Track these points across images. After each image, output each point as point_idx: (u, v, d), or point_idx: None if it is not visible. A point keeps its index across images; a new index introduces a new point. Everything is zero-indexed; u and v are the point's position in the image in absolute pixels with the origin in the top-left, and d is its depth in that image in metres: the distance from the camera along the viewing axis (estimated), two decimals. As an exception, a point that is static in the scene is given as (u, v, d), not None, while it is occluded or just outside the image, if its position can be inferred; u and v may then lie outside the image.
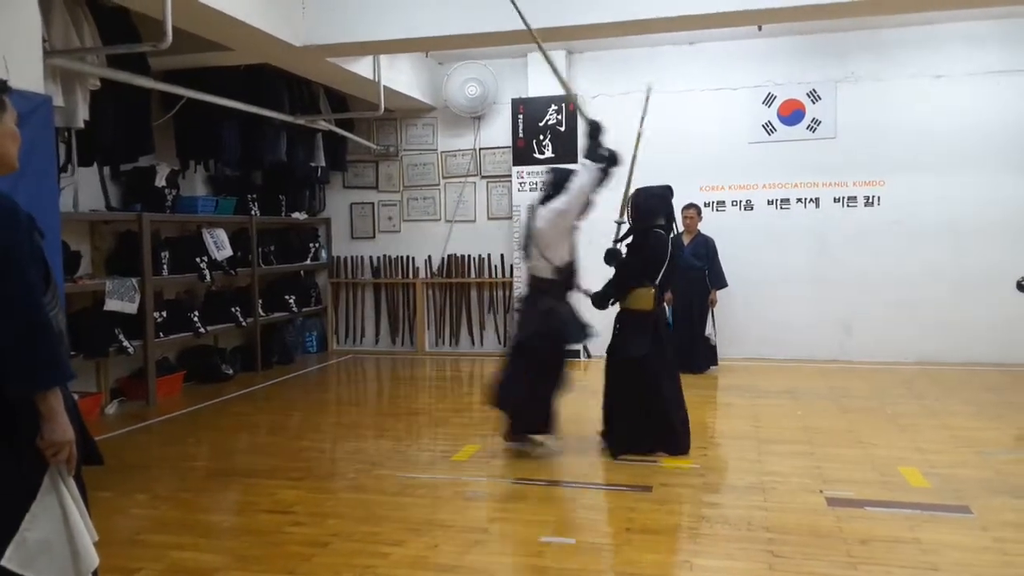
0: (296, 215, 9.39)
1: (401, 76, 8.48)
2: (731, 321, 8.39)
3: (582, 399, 6.95)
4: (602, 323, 5.32)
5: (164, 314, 7.18)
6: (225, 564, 3.52)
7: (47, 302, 2.14)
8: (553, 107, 8.84)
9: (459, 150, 9.57)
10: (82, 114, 5.82)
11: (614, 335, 5.24)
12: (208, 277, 7.67)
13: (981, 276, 8.05)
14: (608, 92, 8.93)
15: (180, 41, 5.47)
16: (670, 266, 5.13)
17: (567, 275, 5.14)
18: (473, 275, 9.60)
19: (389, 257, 9.88)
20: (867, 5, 5.92)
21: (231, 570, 3.46)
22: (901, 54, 8.29)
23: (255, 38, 6.10)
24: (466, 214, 9.61)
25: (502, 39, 6.74)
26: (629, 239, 5.27)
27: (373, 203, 9.93)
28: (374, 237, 9.94)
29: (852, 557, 3.45)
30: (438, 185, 9.69)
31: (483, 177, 9.52)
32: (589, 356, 8.82)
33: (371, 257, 9.94)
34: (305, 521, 4.04)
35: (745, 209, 8.76)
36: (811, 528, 3.80)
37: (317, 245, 9.80)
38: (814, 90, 8.52)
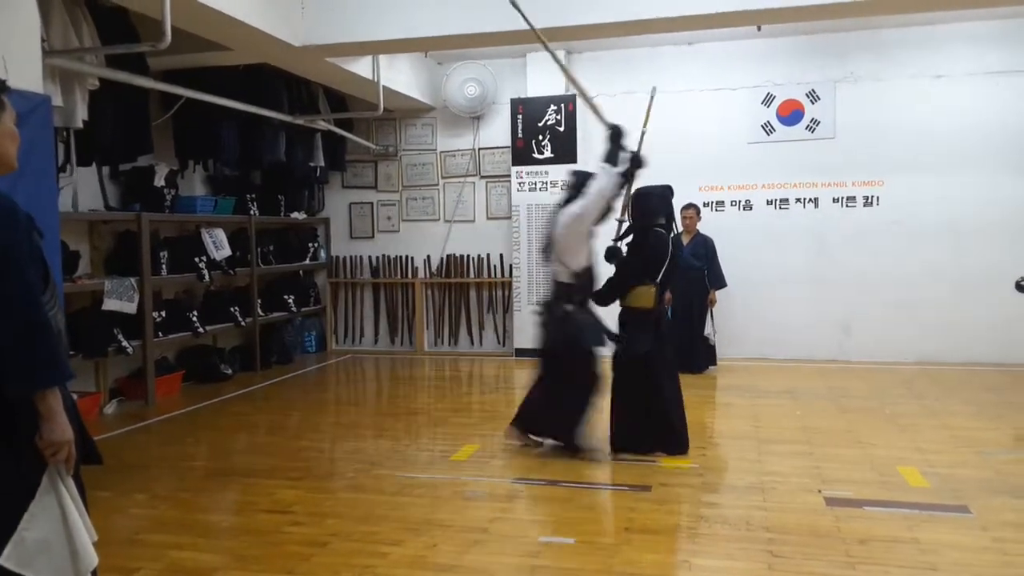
0: (295, 215, 9.38)
1: (400, 76, 8.48)
2: (730, 321, 8.40)
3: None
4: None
5: (163, 314, 7.18)
6: (224, 564, 3.52)
7: (46, 302, 2.14)
8: (552, 107, 8.85)
9: (458, 150, 9.57)
10: (81, 114, 5.82)
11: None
12: (207, 277, 7.67)
13: (980, 276, 8.06)
14: (608, 92, 8.90)
15: (179, 41, 5.47)
16: (670, 265, 5.13)
17: (586, 280, 5.12)
18: (472, 275, 9.59)
19: (388, 257, 9.87)
20: (866, 5, 5.92)
21: (230, 570, 3.46)
22: (900, 54, 8.30)
23: (254, 38, 6.10)
24: (465, 214, 9.61)
25: (501, 39, 6.74)
26: (629, 238, 5.26)
27: (372, 203, 9.93)
28: (373, 237, 9.94)
29: (851, 557, 3.45)
30: (437, 185, 9.68)
31: (482, 177, 9.52)
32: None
33: (370, 257, 9.94)
34: (304, 521, 4.03)
35: (744, 209, 8.76)
36: (810, 528, 3.80)
37: (316, 245, 9.80)
38: (813, 90, 8.52)
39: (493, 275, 9.52)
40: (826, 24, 7.80)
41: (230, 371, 8.01)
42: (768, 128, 8.65)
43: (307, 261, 9.65)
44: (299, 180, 9.25)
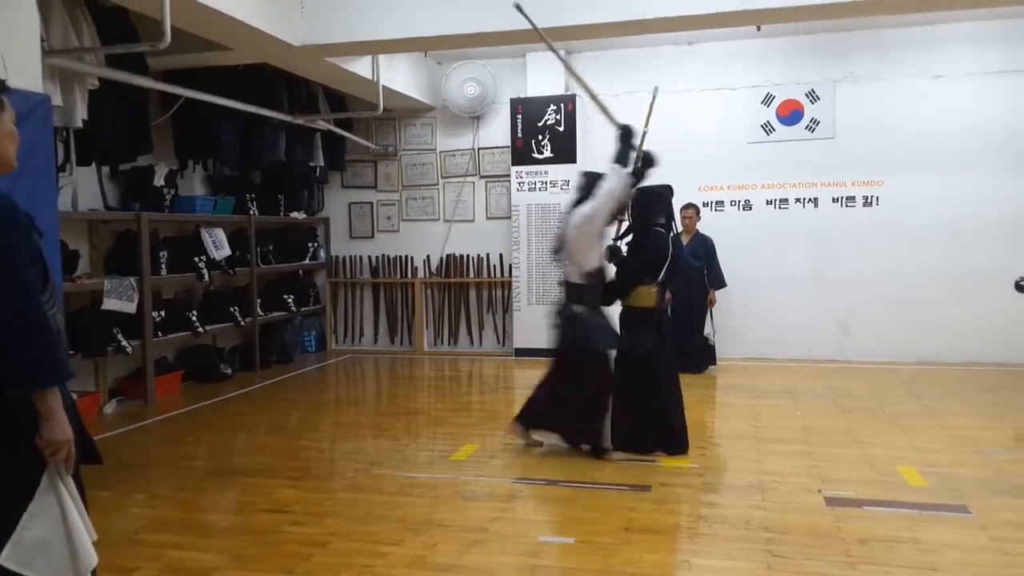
0: (295, 215, 9.38)
1: (400, 76, 8.48)
2: (730, 321, 8.40)
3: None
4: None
5: (162, 313, 7.18)
6: (223, 563, 3.51)
7: (45, 301, 2.14)
8: (552, 107, 8.84)
9: (458, 150, 9.57)
10: (81, 114, 5.82)
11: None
12: (206, 276, 7.66)
13: (980, 276, 8.06)
14: (607, 92, 8.86)
15: (179, 41, 5.48)
16: (671, 265, 5.13)
17: (598, 280, 5.11)
18: (472, 275, 9.59)
19: (388, 257, 9.87)
20: (866, 5, 5.92)
21: (229, 569, 3.46)
22: (900, 54, 8.30)
23: (254, 38, 6.10)
24: (465, 214, 9.60)
25: (501, 39, 6.74)
26: (629, 237, 5.27)
27: (372, 203, 9.92)
28: (373, 237, 9.94)
29: (850, 557, 3.45)
30: (437, 185, 9.68)
31: (482, 177, 9.52)
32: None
33: (370, 257, 9.94)
34: (303, 520, 4.03)
35: (744, 209, 8.76)
36: (810, 528, 3.80)
37: (316, 245, 9.79)
38: (813, 90, 8.52)
39: (493, 275, 9.52)
40: (826, 24, 7.80)
41: (230, 371, 8.00)
42: (768, 128, 8.65)
43: (307, 261, 9.65)
44: (299, 180, 9.25)
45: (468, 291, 9.67)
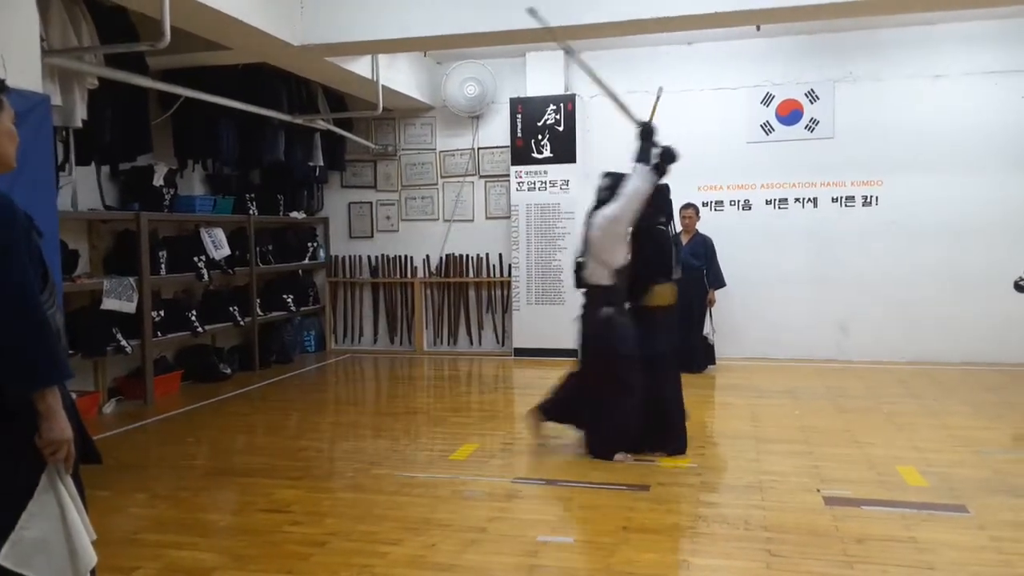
0: (294, 214, 9.39)
1: (399, 75, 8.48)
2: (729, 321, 8.40)
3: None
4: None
5: (162, 313, 7.18)
6: (223, 563, 3.52)
7: (44, 301, 2.14)
8: (551, 107, 8.85)
9: (457, 149, 9.57)
10: (80, 113, 5.82)
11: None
12: (206, 276, 7.67)
13: (979, 276, 8.07)
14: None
15: (178, 40, 5.48)
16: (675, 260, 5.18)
17: (623, 281, 5.06)
18: (471, 274, 9.60)
19: (387, 256, 9.87)
20: (864, 5, 5.93)
21: (229, 569, 3.46)
22: (899, 54, 8.30)
23: (253, 37, 6.10)
24: (464, 214, 9.61)
25: (501, 39, 6.75)
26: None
27: (371, 202, 9.93)
28: (372, 236, 9.94)
29: (849, 556, 3.46)
30: (436, 184, 9.69)
31: (481, 176, 9.53)
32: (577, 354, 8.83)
33: (369, 256, 9.94)
34: (303, 520, 4.04)
35: (743, 209, 8.77)
36: (808, 527, 3.81)
37: (315, 244, 9.79)
38: (812, 90, 8.53)
39: (492, 275, 9.52)
40: (825, 24, 7.81)
41: (229, 370, 8.00)
42: (767, 128, 8.66)
43: (306, 261, 9.65)
44: (298, 180, 9.25)
45: (467, 291, 9.67)
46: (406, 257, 9.81)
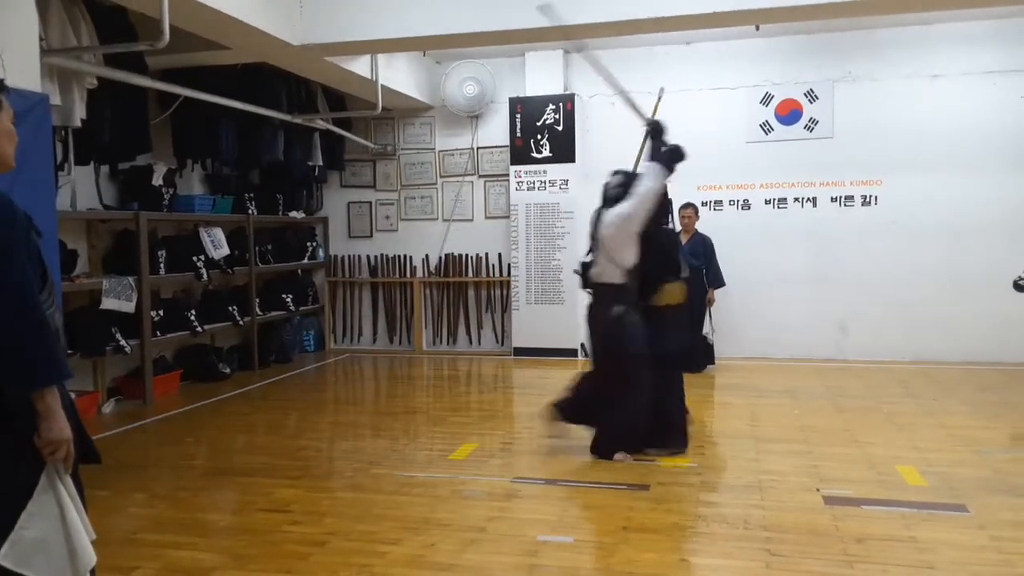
0: (293, 214, 9.38)
1: (399, 75, 8.48)
2: (728, 320, 8.41)
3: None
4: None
5: (161, 313, 7.18)
6: (222, 563, 3.51)
7: (43, 300, 2.14)
8: (551, 106, 8.84)
9: (457, 149, 9.57)
10: (79, 113, 5.82)
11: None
12: (205, 276, 7.66)
13: (978, 275, 8.07)
14: (605, 92, 8.92)
15: (177, 40, 5.48)
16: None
17: (634, 280, 5.05)
18: (471, 274, 9.60)
19: (386, 256, 9.87)
20: (863, 5, 5.93)
21: (228, 569, 3.46)
22: (897, 54, 8.30)
23: (253, 37, 6.10)
24: (464, 213, 9.61)
25: (500, 38, 6.75)
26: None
27: (371, 202, 9.92)
28: (371, 236, 9.94)
29: (849, 555, 3.46)
30: (436, 184, 9.68)
31: (481, 176, 9.52)
32: (587, 355, 8.83)
33: (368, 256, 9.94)
34: (302, 520, 4.03)
35: (742, 208, 8.77)
36: (808, 527, 3.81)
37: (314, 244, 9.79)
38: (811, 90, 8.53)
39: (491, 274, 9.52)
40: (824, 24, 7.82)
41: (228, 370, 8.00)
42: (766, 127, 8.66)
43: (305, 260, 9.65)
44: (297, 179, 9.25)
45: (467, 290, 9.67)
46: (405, 257, 9.81)
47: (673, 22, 6.17)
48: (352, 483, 4.65)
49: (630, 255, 4.99)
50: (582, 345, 8.86)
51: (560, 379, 7.75)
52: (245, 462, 5.20)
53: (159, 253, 7.15)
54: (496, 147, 9.39)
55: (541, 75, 9.01)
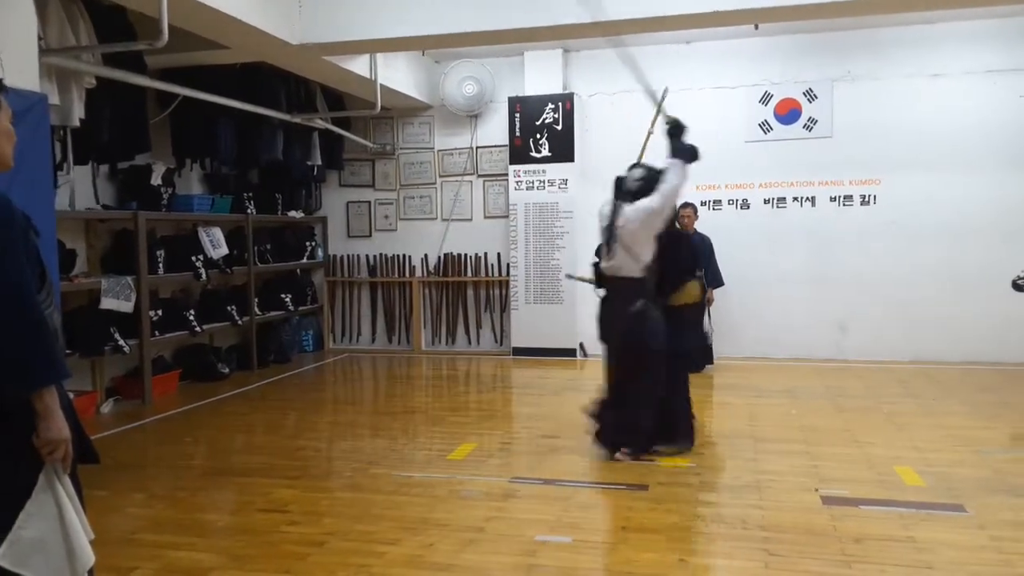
0: (292, 213, 9.38)
1: (398, 74, 8.48)
2: (727, 320, 8.40)
3: (578, 398, 6.95)
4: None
5: (160, 313, 7.18)
6: (221, 563, 3.51)
7: (42, 300, 2.14)
8: (550, 106, 8.84)
9: (456, 148, 9.57)
10: (78, 112, 5.81)
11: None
12: (204, 275, 7.66)
13: (977, 275, 8.07)
14: (604, 91, 8.96)
15: (176, 39, 5.48)
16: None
17: (651, 275, 5.05)
18: (470, 274, 9.59)
19: (385, 256, 9.87)
20: (863, 4, 5.94)
21: (226, 569, 3.46)
22: (897, 53, 8.30)
23: (252, 36, 6.09)
24: (463, 213, 9.60)
25: (499, 38, 6.75)
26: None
27: (370, 202, 9.92)
28: (370, 236, 9.94)
29: (847, 555, 3.46)
30: (435, 184, 9.68)
31: (480, 176, 9.52)
32: (586, 355, 8.84)
33: (367, 256, 9.94)
34: (301, 520, 4.03)
35: (741, 208, 8.77)
36: (806, 527, 3.81)
37: (313, 244, 9.79)
38: (810, 89, 8.53)
39: (490, 274, 9.52)
40: (824, 23, 7.81)
41: (227, 370, 8.00)
42: (766, 127, 8.66)
43: (304, 260, 9.64)
44: (296, 179, 9.24)
45: (466, 290, 9.67)
46: (404, 256, 9.81)
47: (673, 21, 6.18)
48: (351, 483, 4.64)
49: (649, 249, 4.99)
50: (580, 345, 8.88)
51: (559, 379, 7.77)
52: (244, 462, 5.20)
53: (158, 253, 7.14)
54: (495, 146, 9.38)
55: (540, 74, 9.00)
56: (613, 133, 8.69)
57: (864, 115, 8.39)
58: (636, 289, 4.97)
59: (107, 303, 6.45)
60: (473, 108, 9.24)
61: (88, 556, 2.22)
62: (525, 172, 8.98)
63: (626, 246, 4.96)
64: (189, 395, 7.15)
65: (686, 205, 7.99)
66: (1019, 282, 6.40)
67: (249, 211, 8.52)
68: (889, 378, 7.48)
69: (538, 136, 8.90)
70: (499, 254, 9.46)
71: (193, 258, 7.58)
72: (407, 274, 9.80)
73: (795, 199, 8.64)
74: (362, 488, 4.53)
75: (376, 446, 5.50)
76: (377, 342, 9.93)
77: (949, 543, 3.58)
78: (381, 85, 8.00)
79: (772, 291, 8.60)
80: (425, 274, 9.75)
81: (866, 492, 4.29)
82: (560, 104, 8.81)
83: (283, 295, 9.12)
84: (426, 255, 9.74)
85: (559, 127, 8.84)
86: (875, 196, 8.42)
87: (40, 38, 4.93)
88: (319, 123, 8.72)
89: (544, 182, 8.92)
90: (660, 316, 4.99)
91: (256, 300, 8.60)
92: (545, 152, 8.90)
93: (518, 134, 8.97)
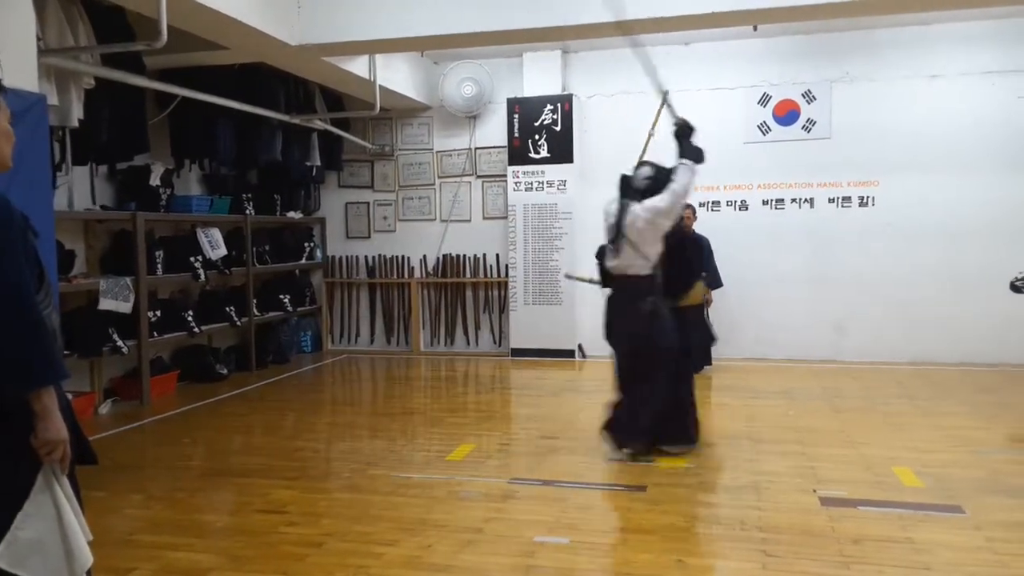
0: (291, 214, 9.38)
1: (397, 75, 8.48)
2: (726, 321, 8.40)
3: (577, 399, 6.97)
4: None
5: (158, 313, 7.18)
6: (219, 564, 3.51)
7: (40, 301, 2.14)
8: (549, 107, 8.85)
9: (455, 150, 9.57)
10: (77, 113, 5.81)
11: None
12: (202, 276, 7.66)
13: (975, 276, 8.07)
14: (603, 92, 8.96)
15: (175, 40, 5.47)
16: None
17: (658, 274, 5.07)
18: (468, 275, 9.60)
19: (384, 257, 9.87)
20: (860, 5, 5.94)
21: (225, 570, 3.46)
22: (895, 55, 8.31)
23: (251, 37, 6.09)
24: (461, 214, 9.61)
25: (498, 39, 6.75)
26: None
27: (368, 203, 9.92)
28: (369, 237, 9.94)
29: (845, 556, 3.46)
30: (433, 185, 9.68)
31: (478, 177, 9.53)
32: (585, 356, 8.85)
33: (366, 257, 9.94)
34: (299, 521, 4.03)
35: (740, 209, 8.77)
36: (804, 528, 3.81)
37: (312, 244, 9.79)
38: (809, 90, 8.54)
39: (489, 275, 9.52)
40: (821, 24, 7.82)
41: (225, 371, 7.99)
42: (764, 128, 8.67)
43: (303, 261, 9.64)
44: (295, 179, 9.24)
45: (464, 291, 9.67)
46: (403, 257, 9.81)
47: (673, 22, 6.18)
48: (349, 484, 4.64)
49: (657, 248, 5.01)
50: (579, 346, 8.88)
51: (558, 380, 7.77)
52: (242, 463, 5.20)
53: (156, 253, 7.14)
54: (494, 147, 9.39)
55: (539, 75, 9.01)
56: (612, 134, 8.70)
57: (862, 116, 8.40)
58: (645, 287, 4.99)
59: (105, 304, 6.45)
60: (472, 109, 9.24)
61: (86, 557, 2.22)
62: (524, 173, 8.98)
63: (634, 244, 4.96)
64: (187, 396, 7.15)
65: (685, 206, 8.00)
66: (1017, 283, 6.41)
67: (248, 212, 8.52)
68: (887, 379, 7.49)
69: (537, 137, 8.91)
70: (498, 255, 9.46)
71: (192, 259, 7.58)
72: (406, 275, 9.80)
73: (793, 200, 8.64)
74: (360, 489, 4.53)
75: (375, 447, 5.50)
76: (376, 343, 9.93)
77: (946, 544, 3.59)
78: (380, 86, 8.00)
79: (770, 292, 8.61)
80: (424, 275, 9.75)
81: (864, 493, 4.29)
82: (559, 105, 8.82)
83: (282, 296, 9.12)
84: (425, 256, 9.74)
85: (558, 128, 8.85)
86: (873, 197, 8.43)
87: (39, 38, 4.93)
88: (318, 124, 8.72)
89: (543, 183, 8.92)
90: (670, 315, 5.01)
91: (255, 301, 8.60)
92: (544, 153, 8.90)
93: (517, 135, 8.98)
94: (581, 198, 8.79)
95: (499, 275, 9.46)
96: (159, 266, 7.17)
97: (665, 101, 5.33)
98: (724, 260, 8.10)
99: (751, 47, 8.53)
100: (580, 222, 8.73)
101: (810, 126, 8.55)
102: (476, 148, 9.48)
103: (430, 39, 6.70)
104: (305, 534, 3.85)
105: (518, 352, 9.04)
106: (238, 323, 8.21)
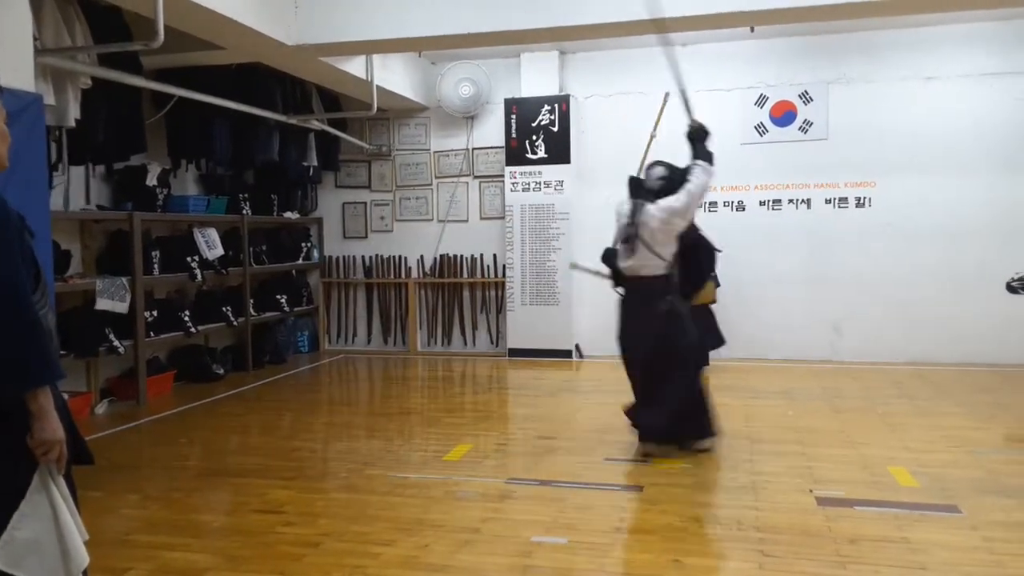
0: (288, 215, 9.37)
1: (394, 76, 8.48)
2: (724, 321, 8.37)
3: (574, 399, 6.97)
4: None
5: (155, 313, 7.16)
6: (215, 564, 3.51)
7: (36, 301, 2.14)
8: (546, 107, 8.84)
9: (452, 150, 9.57)
10: (73, 113, 5.80)
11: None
12: (199, 276, 7.65)
13: (973, 277, 8.09)
14: (601, 93, 8.97)
15: (172, 40, 5.46)
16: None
17: (674, 273, 5.08)
18: (465, 275, 9.59)
19: (381, 257, 9.87)
20: (859, 6, 5.94)
21: (221, 570, 3.45)
22: (892, 56, 8.33)
23: (247, 37, 6.09)
24: (459, 214, 9.60)
25: (495, 39, 6.75)
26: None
27: (365, 203, 9.92)
28: (366, 237, 9.93)
29: (841, 556, 3.47)
30: (431, 185, 9.68)
31: (476, 177, 9.52)
32: (582, 356, 8.85)
33: (363, 257, 9.93)
34: (296, 521, 4.03)
35: (737, 210, 8.78)
36: (801, 528, 3.81)
37: (309, 245, 9.78)
38: (806, 91, 8.55)
39: (486, 275, 9.52)
40: (818, 26, 7.82)
41: (222, 371, 7.98)
42: (761, 129, 8.68)
43: (300, 261, 9.63)
44: (292, 180, 9.23)
45: (462, 291, 9.67)
46: (400, 257, 9.81)
47: (671, 23, 6.17)
48: (346, 484, 4.64)
49: (671, 248, 5.02)
50: (576, 346, 8.89)
51: (555, 380, 7.77)
52: (239, 463, 5.19)
53: (153, 253, 7.13)
54: (491, 148, 9.39)
55: (536, 76, 9.01)
56: (609, 135, 8.71)
57: (859, 117, 8.41)
58: (662, 287, 5.00)
59: (102, 304, 6.43)
60: (469, 109, 9.24)
61: (83, 557, 2.21)
62: (521, 173, 8.98)
63: (650, 244, 4.97)
64: (184, 396, 7.14)
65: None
66: (1013, 284, 6.42)
67: (245, 212, 8.51)
68: (885, 379, 7.50)
69: (534, 138, 8.91)
70: (495, 255, 9.46)
71: (188, 259, 7.56)
72: (403, 275, 9.80)
73: (791, 201, 8.65)
74: (358, 489, 4.53)
75: (372, 447, 5.49)
76: (373, 343, 9.92)
77: (943, 544, 3.59)
78: (377, 86, 7.99)
79: (768, 293, 8.62)
80: (421, 275, 9.75)
81: (861, 493, 4.30)
82: (556, 106, 8.82)
83: (279, 296, 9.11)
84: (422, 256, 9.74)
85: (555, 129, 8.85)
86: (870, 198, 8.44)
87: (35, 38, 4.93)
88: (315, 124, 8.72)
89: (540, 183, 8.92)
90: (689, 313, 5.06)
91: (251, 301, 8.59)
92: (541, 153, 8.90)
93: (514, 135, 8.98)
94: (578, 198, 8.80)
95: (496, 275, 9.46)
96: (155, 266, 7.15)
97: (665, 103, 5.34)
98: (722, 261, 8.04)
99: (748, 48, 8.54)
100: (577, 222, 8.73)
101: (807, 127, 8.56)
102: (473, 148, 9.48)
103: (427, 39, 6.70)
104: (302, 534, 3.84)
105: (515, 352, 9.03)
106: (235, 323, 8.21)
